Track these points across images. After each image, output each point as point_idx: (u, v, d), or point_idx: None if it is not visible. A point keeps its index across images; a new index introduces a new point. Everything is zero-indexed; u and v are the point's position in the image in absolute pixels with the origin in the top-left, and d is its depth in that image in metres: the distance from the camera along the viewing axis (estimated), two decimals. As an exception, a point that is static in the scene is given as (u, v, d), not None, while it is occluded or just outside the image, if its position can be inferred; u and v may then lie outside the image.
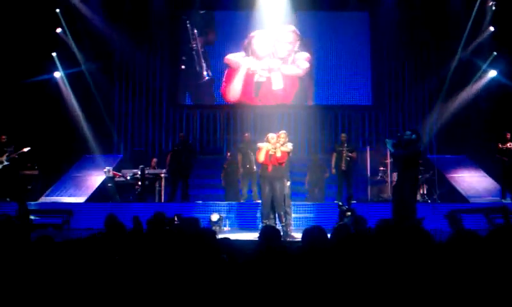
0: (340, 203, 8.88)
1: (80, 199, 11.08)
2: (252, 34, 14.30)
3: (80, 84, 13.62)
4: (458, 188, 11.70)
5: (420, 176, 9.14)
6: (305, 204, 10.28)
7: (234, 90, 14.36)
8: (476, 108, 13.42)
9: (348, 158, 10.80)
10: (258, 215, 8.81)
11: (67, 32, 13.37)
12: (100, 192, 11.53)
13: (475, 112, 13.40)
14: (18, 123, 12.05)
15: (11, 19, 12.23)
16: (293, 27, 14.30)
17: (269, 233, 4.07)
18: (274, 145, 7.88)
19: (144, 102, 14.47)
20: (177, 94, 14.61)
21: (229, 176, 11.58)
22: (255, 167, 10.58)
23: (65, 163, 12.80)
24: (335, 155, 11.02)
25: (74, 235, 7.08)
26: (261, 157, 7.93)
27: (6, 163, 10.93)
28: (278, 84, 14.29)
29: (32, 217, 8.92)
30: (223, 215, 9.51)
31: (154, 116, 14.49)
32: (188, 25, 14.35)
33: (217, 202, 10.44)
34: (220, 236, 5.84)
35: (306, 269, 2.71)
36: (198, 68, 14.34)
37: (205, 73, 14.36)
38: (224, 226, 9.44)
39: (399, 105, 14.60)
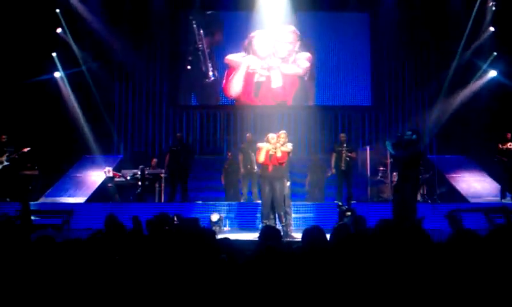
0: (340, 203, 8.89)
1: (80, 200, 11.08)
2: (252, 34, 14.31)
3: (80, 84, 13.62)
4: (458, 188, 11.71)
5: (420, 177, 9.14)
6: (305, 205, 10.28)
7: (235, 90, 14.38)
8: (476, 108, 13.42)
9: (347, 159, 10.80)
10: (258, 215, 8.81)
11: (67, 32, 13.37)
12: (100, 193, 11.53)
13: (475, 113, 13.40)
14: (18, 123, 12.06)
15: (12, 19, 12.24)
16: (293, 28, 14.31)
17: (269, 233, 4.08)
18: (274, 145, 7.88)
19: (144, 102, 14.47)
20: (179, 95, 14.61)
21: (229, 176, 11.58)
22: (255, 168, 10.58)
23: (65, 163, 12.81)
24: (334, 155, 11.02)
25: (74, 236, 7.07)
26: (261, 157, 7.92)
27: (6, 163, 10.93)
28: (277, 82, 14.30)
29: (32, 218, 8.91)
30: (223, 215, 9.51)
31: (154, 116, 14.50)
32: (194, 25, 14.38)
33: (217, 202, 10.44)
34: (220, 236, 5.84)
35: (305, 269, 2.70)
36: (203, 69, 14.37)
37: (210, 73, 14.38)
38: (224, 226, 9.44)
39: (398, 105, 14.60)
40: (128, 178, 11.43)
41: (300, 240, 3.68)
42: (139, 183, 11.22)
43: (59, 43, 13.38)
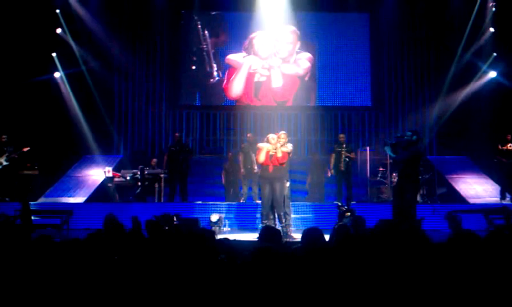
0: (340, 204, 8.88)
1: (80, 200, 11.07)
2: (253, 34, 14.32)
3: (80, 84, 13.62)
4: (458, 189, 11.70)
5: (420, 177, 9.14)
6: (305, 205, 10.28)
7: (235, 89, 14.38)
8: (476, 109, 13.42)
9: (347, 159, 10.79)
10: (258, 215, 8.81)
11: (67, 32, 13.37)
12: (100, 193, 11.52)
13: (475, 113, 13.40)
14: (18, 123, 12.05)
15: (12, 19, 12.24)
16: (293, 28, 14.32)
17: (269, 234, 4.08)
18: (274, 146, 7.88)
19: (144, 102, 14.46)
20: (182, 95, 14.60)
21: (230, 176, 11.58)
22: (256, 168, 10.57)
23: (65, 163, 12.81)
24: (333, 155, 11.02)
25: (73, 235, 7.07)
26: (261, 158, 7.91)
27: (5, 163, 10.92)
28: (277, 82, 14.31)
29: (32, 217, 8.90)
30: (223, 215, 9.50)
31: (154, 116, 14.48)
32: (199, 26, 14.38)
33: (217, 202, 10.43)
34: (219, 236, 5.84)
35: (305, 269, 2.70)
36: (208, 69, 14.38)
37: (215, 73, 14.39)
38: (224, 226, 9.43)
39: (398, 106, 14.60)
40: (128, 178, 11.42)
41: (299, 240, 3.67)
42: (139, 183, 11.21)
43: (59, 43, 13.38)
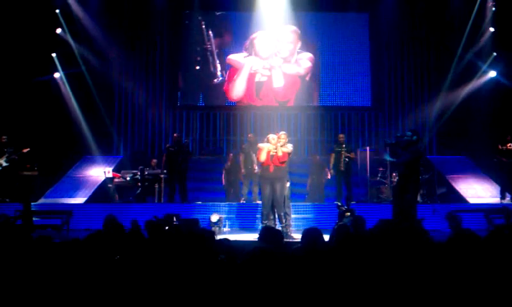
0: (340, 204, 8.88)
1: (80, 200, 11.06)
2: (254, 34, 14.32)
3: (80, 84, 13.61)
4: (458, 188, 11.70)
5: (420, 177, 9.14)
6: (305, 205, 10.28)
7: (237, 90, 14.39)
8: (476, 109, 13.42)
9: (346, 159, 10.78)
10: (258, 216, 8.80)
11: (67, 33, 13.37)
12: (100, 193, 11.52)
13: (475, 113, 13.40)
14: (18, 124, 12.05)
15: (12, 19, 12.24)
16: (294, 27, 14.32)
17: (269, 234, 4.07)
18: (275, 146, 7.88)
19: (144, 102, 14.45)
20: (181, 95, 14.60)
21: (230, 176, 11.57)
22: (256, 168, 10.57)
23: (65, 164, 12.79)
24: (333, 155, 11.02)
25: (73, 236, 7.07)
26: (262, 157, 7.91)
27: (5, 164, 10.91)
28: (278, 82, 14.31)
29: (33, 218, 8.91)
30: (223, 215, 9.50)
31: (154, 117, 14.47)
32: (203, 26, 14.39)
33: (217, 203, 10.43)
34: (219, 236, 5.84)
35: (304, 269, 2.70)
36: (212, 69, 14.39)
37: (219, 73, 14.39)
38: (224, 226, 9.43)
39: (398, 106, 14.60)
40: (128, 178, 11.41)
41: (299, 240, 3.67)
42: (139, 183, 11.20)
43: (59, 43, 13.37)
